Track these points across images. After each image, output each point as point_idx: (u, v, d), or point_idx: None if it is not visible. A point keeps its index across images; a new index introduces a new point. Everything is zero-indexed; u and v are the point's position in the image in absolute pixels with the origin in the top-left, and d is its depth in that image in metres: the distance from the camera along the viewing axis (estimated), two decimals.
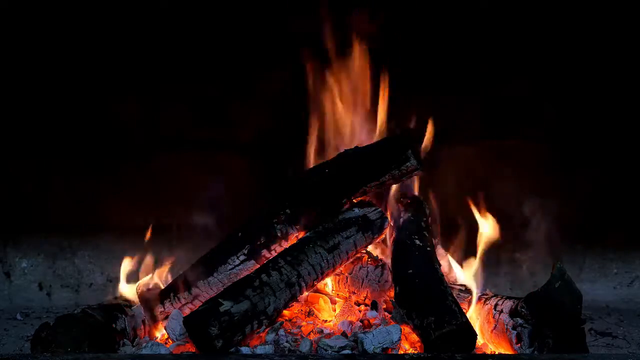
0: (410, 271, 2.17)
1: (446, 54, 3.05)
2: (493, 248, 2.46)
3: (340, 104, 2.61)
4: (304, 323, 2.22)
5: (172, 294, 2.31)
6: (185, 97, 3.10)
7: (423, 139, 2.48)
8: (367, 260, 2.39)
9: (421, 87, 2.97)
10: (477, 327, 2.12)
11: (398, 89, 2.58)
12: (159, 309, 2.30)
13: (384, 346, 2.00)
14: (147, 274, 2.39)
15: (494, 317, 2.14)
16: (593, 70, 3.09)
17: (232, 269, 2.31)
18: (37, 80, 3.07)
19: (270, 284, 2.08)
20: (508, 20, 3.05)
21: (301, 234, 2.33)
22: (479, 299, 2.28)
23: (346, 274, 2.39)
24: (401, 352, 2.03)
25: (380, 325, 2.15)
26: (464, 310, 2.07)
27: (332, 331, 2.17)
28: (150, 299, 2.29)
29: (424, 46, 3.03)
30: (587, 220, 3.15)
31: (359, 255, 2.37)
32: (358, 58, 2.60)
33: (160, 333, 2.30)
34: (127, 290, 2.34)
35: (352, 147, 2.44)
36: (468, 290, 2.31)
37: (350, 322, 2.22)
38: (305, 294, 2.25)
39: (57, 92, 3.08)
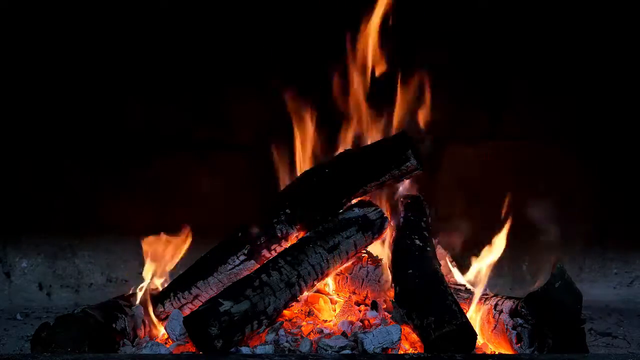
0: (410, 271, 2.17)
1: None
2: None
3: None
4: (304, 323, 2.21)
5: (172, 294, 2.31)
6: (185, 97, 3.10)
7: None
8: (367, 260, 2.39)
9: None
10: (477, 327, 2.12)
11: None
12: (159, 309, 2.30)
13: (384, 346, 2.00)
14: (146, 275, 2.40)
15: (494, 317, 2.14)
16: (595, 70, 3.08)
17: (232, 269, 2.31)
18: (36, 80, 3.07)
19: (270, 284, 2.08)
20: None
21: (301, 234, 2.33)
22: (479, 299, 2.27)
23: (346, 274, 2.39)
24: (401, 352, 2.03)
25: (380, 325, 2.15)
26: (464, 310, 2.07)
27: (332, 331, 2.17)
28: (150, 300, 2.29)
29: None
30: (587, 220, 3.15)
31: (359, 255, 2.38)
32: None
33: (160, 333, 2.30)
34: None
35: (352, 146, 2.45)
36: (468, 290, 2.31)
37: (350, 322, 2.21)
38: (306, 294, 2.25)
39: (57, 93, 3.08)
